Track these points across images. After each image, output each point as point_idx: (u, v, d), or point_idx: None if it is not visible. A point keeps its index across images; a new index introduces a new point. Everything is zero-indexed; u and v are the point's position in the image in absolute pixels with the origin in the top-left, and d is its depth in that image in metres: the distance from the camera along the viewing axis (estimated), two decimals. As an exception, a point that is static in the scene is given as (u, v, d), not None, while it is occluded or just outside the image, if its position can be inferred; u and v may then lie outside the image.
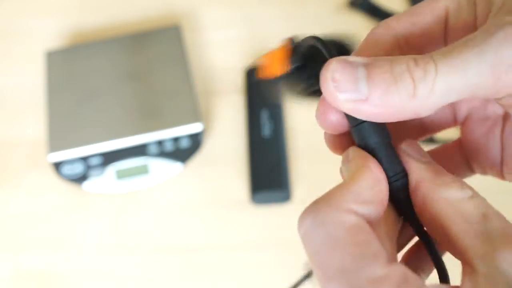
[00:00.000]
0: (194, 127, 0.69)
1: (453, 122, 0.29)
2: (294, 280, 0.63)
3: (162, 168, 0.69)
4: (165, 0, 0.84)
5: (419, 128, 0.29)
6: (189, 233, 0.67)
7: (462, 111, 0.29)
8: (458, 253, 0.22)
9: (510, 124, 0.27)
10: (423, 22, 0.25)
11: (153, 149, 0.69)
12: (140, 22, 0.82)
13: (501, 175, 0.28)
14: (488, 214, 0.22)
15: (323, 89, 0.23)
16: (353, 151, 0.25)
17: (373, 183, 0.23)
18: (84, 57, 0.76)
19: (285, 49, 0.30)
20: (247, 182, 0.68)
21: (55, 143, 0.69)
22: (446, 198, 0.23)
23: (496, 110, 0.28)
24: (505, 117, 0.27)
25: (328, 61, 0.24)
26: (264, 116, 0.71)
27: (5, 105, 0.77)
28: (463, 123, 0.29)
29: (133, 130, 0.69)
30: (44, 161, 0.70)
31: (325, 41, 0.27)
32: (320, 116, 0.25)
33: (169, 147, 0.69)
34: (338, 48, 0.30)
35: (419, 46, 0.26)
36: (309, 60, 0.29)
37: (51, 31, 0.82)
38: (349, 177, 0.23)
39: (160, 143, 0.69)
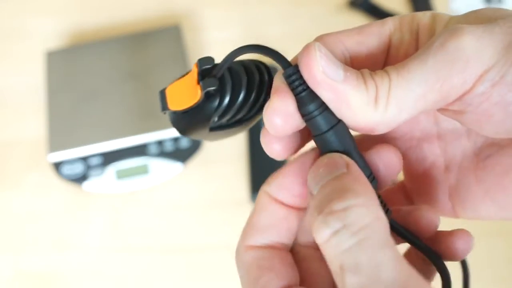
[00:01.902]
0: (194, 127, 0.69)
1: None
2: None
3: (162, 168, 0.69)
4: (165, 0, 0.84)
5: None
6: (189, 233, 0.67)
7: (400, 150, 0.28)
8: None
9: (454, 163, 0.27)
10: (369, 43, 0.25)
11: (153, 149, 0.69)
12: (140, 22, 0.82)
13: (453, 214, 0.27)
14: (344, 266, 0.20)
15: (305, 56, 0.23)
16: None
17: (265, 209, 0.25)
18: (84, 57, 0.76)
19: (193, 74, 0.26)
20: (247, 182, 0.68)
21: (55, 143, 0.69)
22: (317, 243, 0.21)
23: (432, 150, 0.27)
24: (446, 157, 0.27)
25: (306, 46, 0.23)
26: (264, 116, 0.71)
27: (5, 105, 0.77)
28: (404, 167, 0.28)
29: (133, 130, 0.69)
30: (44, 161, 0.70)
31: (267, 47, 0.24)
32: (266, 146, 0.25)
33: (169, 147, 0.69)
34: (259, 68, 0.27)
35: (361, 66, 0.25)
36: (225, 82, 0.26)
37: (51, 31, 0.82)
38: (251, 211, 0.26)
39: (160, 143, 0.69)
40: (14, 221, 0.69)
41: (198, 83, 0.26)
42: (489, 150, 0.26)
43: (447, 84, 0.22)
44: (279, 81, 0.24)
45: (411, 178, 0.28)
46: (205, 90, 0.25)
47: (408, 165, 0.28)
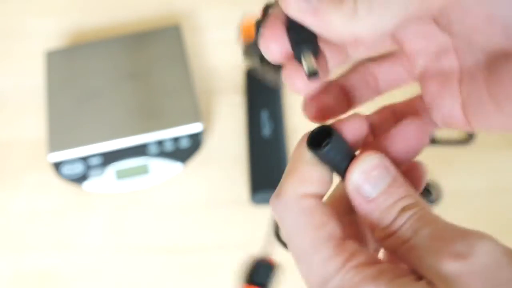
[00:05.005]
0: (194, 127, 0.69)
1: (408, 78, 0.31)
2: (294, 279, 0.63)
3: (162, 168, 0.69)
4: (165, 0, 0.84)
5: (375, 85, 0.31)
6: (189, 233, 0.67)
7: (419, 65, 0.29)
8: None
9: (467, 75, 0.28)
10: None
11: (153, 149, 0.69)
12: (140, 22, 0.82)
13: (468, 126, 0.28)
14: (418, 228, 0.23)
15: None
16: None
17: (313, 165, 0.26)
18: (84, 57, 0.76)
19: (257, 20, 0.31)
20: (247, 182, 0.68)
21: (55, 143, 0.69)
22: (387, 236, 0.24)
23: (451, 63, 0.28)
24: (461, 69, 0.28)
25: None
26: (264, 116, 0.71)
27: (5, 105, 0.77)
28: (420, 78, 0.30)
29: (133, 130, 0.69)
30: (44, 161, 0.70)
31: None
32: (263, 44, 0.26)
33: (169, 147, 0.69)
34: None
35: None
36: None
37: (51, 31, 0.82)
38: (290, 164, 0.26)
39: (160, 143, 0.69)
40: (14, 221, 0.69)
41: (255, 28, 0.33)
42: (499, 61, 0.26)
43: None
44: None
45: (425, 92, 0.29)
46: (255, 38, 0.33)
47: (424, 81, 0.29)
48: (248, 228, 0.66)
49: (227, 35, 0.80)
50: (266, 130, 0.70)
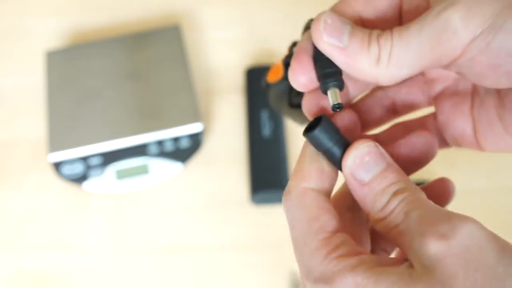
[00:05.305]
0: (194, 127, 0.69)
1: (426, 103, 0.32)
2: (293, 279, 0.63)
3: (162, 168, 0.69)
4: (165, 0, 0.84)
5: (392, 108, 0.32)
6: (189, 233, 0.67)
7: (436, 90, 0.31)
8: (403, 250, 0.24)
9: (478, 98, 0.29)
10: (378, 6, 0.28)
11: (153, 149, 0.69)
12: (140, 22, 0.82)
13: (477, 146, 0.30)
14: (408, 211, 0.24)
15: (313, 27, 0.27)
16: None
17: (312, 159, 0.27)
18: (84, 57, 0.76)
19: (282, 60, 0.33)
20: (247, 182, 0.68)
21: (55, 143, 0.69)
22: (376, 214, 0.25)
23: (466, 86, 0.30)
24: (474, 92, 0.30)
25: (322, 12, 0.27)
26: (264, 116, 0.71)
27: (5, 105, 0.77)
28: (436, 99, 0.31)
29: (133, 130, 0.69)
30: (44, 161, 0.70)
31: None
32: (292, 76, 0.28)
33: (169, 147, 0.69)
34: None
35: (373, 26, 0.27)
36: None
37: (51, 31, 0.82)
38: (296, 162, 0.28)
39: (160, 143, 0.69)
40: (14, 221, 0.69)
41: (281, 69, 0.34)
42: (509, 90, 0.27)
43: (437, 50, 0.25)
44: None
45: (439, 112, 0.31)
46: (281, 79, 0.33)
47: (439, 102, 0.31)
48: (248, 228, 0.66)
49: (227, 35, 0.80)
50: (266, 130, 0.70)
